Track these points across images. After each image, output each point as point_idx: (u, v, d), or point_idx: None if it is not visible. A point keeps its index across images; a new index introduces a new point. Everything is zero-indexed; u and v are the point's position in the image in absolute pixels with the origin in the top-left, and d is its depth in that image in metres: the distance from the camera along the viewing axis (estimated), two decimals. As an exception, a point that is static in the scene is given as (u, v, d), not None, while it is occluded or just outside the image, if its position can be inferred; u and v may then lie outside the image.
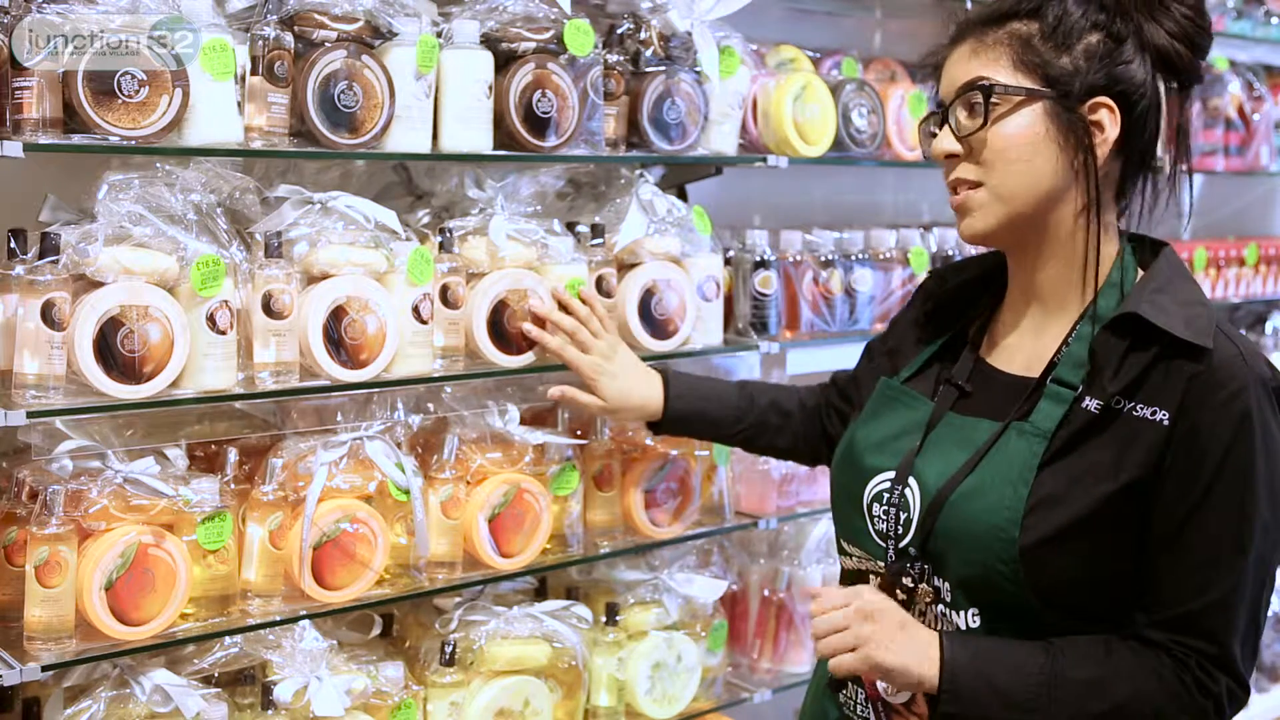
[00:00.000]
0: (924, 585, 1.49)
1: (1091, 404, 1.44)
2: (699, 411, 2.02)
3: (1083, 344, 1.48)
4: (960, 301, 1.69)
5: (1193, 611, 1.42)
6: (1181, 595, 1.42)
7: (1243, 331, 2.56)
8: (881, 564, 1.54)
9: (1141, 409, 1.42)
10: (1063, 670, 1.42)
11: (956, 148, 1.51)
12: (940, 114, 1.53)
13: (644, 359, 2.31)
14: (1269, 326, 3.98)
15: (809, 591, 1.59)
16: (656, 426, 2.06)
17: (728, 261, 2.52)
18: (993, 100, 1.47)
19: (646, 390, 2.03)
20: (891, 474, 1.55)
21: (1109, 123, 1.47)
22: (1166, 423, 1.40)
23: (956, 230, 1.57)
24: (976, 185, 1.50)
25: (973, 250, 2.86)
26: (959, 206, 1.53)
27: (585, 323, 2.10)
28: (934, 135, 1.54)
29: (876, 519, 1.55)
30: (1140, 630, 1.45)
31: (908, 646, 1.42)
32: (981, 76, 1.49)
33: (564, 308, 2.12)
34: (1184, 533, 1.41)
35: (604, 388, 2.03)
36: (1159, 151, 1.53)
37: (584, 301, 2.13)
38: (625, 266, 2.30)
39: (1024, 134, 1.47)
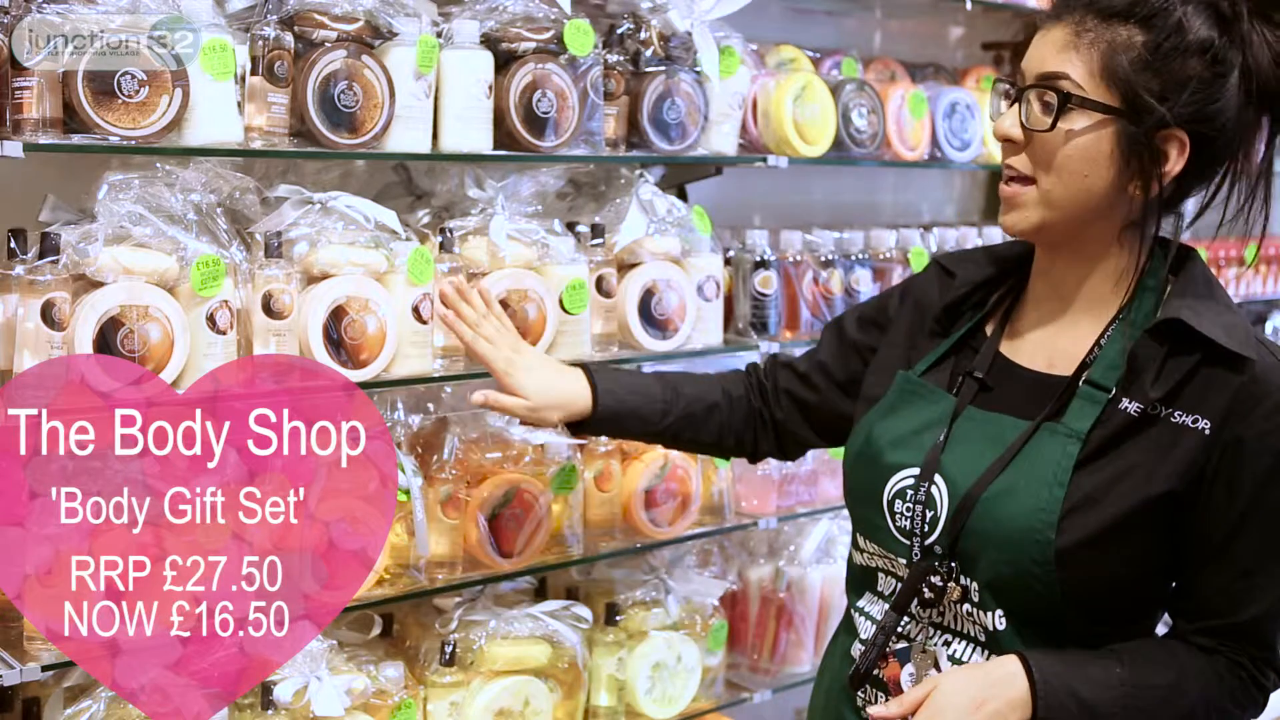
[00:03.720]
0: (952, 584, 1.48)
1: (1131, 407, 1.42)
2: (630, 408, 1.82)
3: (1116, 347, 1.46)
4: (974, 297, 1.64)
5: (1244, 621, 1.43)
6: (1230, 605, 1.43)
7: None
8: (903, 561, 1.52)
9: (1180, 415, 1.40)
10: (1139, 679, 1.41)
11: (1019, 135, 1.46)
12: (1015, 92, 1.47)
13: (644, 359, 2.32)
14: (1269, 326, 3.98)
15: (878, 716, 1.47)
16: (580, 426, 1.84)
17: (728, 261, 2.52)
18: (1068, 107, 1.42)
19: (570, 385, 1.82)
20: (916, 470, 1.52)
21: (1175, 155, 1.42)
22: (1208, 431, 1.39)
23: (999, 220, 1.52)
24: (1028, 181, 1.46)
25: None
26: (1007, 198, 1.49)
27: (484, 320, 1.91)
28: (1003, 105, 1.49)
29: (899, 516, 1.52)
30: (1187, 636, 1.46)
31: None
32: (1064, 74, 1.42)
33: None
34: (1231, 543, 1.41)
35: (522, 383, 1.80)
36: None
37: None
38: (625, 266, 2.30)
39: (1090, 150, 1.42)
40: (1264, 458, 1.39)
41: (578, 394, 1.81)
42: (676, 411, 1.84)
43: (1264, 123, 1.45)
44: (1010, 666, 1.42)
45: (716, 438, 1.87)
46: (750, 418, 1.87)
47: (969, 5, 2.80)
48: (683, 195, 2.56)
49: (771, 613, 2.69)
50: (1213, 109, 1.41)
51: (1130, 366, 1.43)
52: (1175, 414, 1.41)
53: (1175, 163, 1.43)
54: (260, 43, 1.84)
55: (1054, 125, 1.42)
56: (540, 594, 2.38)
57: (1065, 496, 1.41)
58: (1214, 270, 3.53)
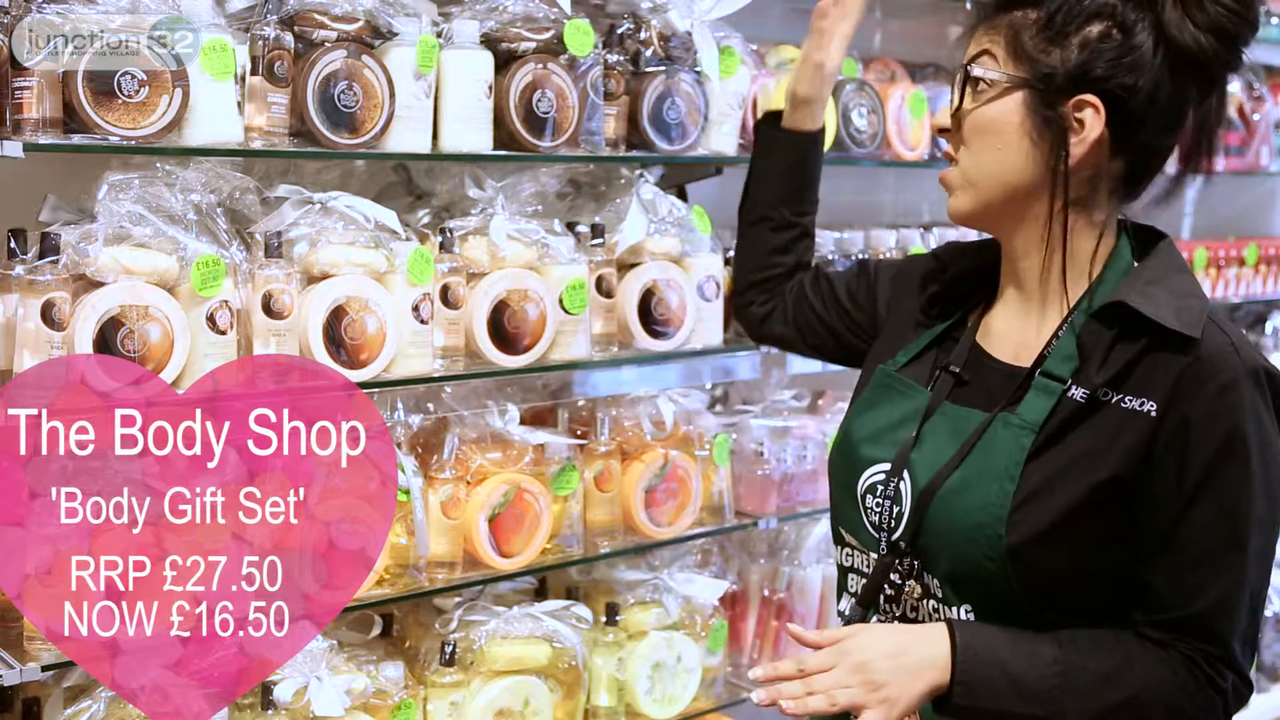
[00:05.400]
0: (911, 582, 1.48)
1: (1078, 393, 1.42)
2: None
3: (1073, 337, 1.45)
4: (961, 288, 1.65)
5: (1193, 615, 1.40)
6: (1180, 597, 1.40)
7: (1243, 331, 2.52)
8: (874, 556, 1.53)
9: (1129, 400, 1.40)
10: (1075, 660, 1.40)
11: (947, 123, 1.52)
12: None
13: (643, 360, 2.32)
14: (1269, 326, 3.98)
15: (794, 634, 1.49)
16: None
17: (727, 261, 2.51)
18: (975, 82, 1.47)
19: None
20: (887, 465, 1.53)
21: (1091, 121, 1.42)
22: (1154, 414, 1.38)
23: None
24: (956, 163, 1.52)
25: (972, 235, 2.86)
26: (940, 181, 1.55)
27: None
28: None
29: (871, 511, 1.53)
30: (1139, 629, 1.44)
31: (907, 671, 1.39)
32: (975, 58, 1.49)
33: None
34: (1178, 530, 1.38)
35: None
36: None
37: None
38: (625, 266, 2.30)
39: (997, 121, 1.46)
40: (1210, 440, 1.36)
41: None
42: (804, 226, 2.06)
43: (1192, 85, 1.44)
44: (935, 629, 1.42)
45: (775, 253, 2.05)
46: (785, 278, 2.01)
47: (969, 5, 2.80)
48: (683, 195, 2.56)
49: (771, 613, 2.69)
50: (1124, 64, 1.41)
51: (1080, 353, 1.43)
52: (1125, 399, 1.40)
53: (1091, 129, 1.43)
54: (260, 43, 1.84)
55: (962, 103, 1.48)
56: (540, 594, 2.38)
57: (1016, 490, 1.41)
58: (1214, 270, 3.56)
